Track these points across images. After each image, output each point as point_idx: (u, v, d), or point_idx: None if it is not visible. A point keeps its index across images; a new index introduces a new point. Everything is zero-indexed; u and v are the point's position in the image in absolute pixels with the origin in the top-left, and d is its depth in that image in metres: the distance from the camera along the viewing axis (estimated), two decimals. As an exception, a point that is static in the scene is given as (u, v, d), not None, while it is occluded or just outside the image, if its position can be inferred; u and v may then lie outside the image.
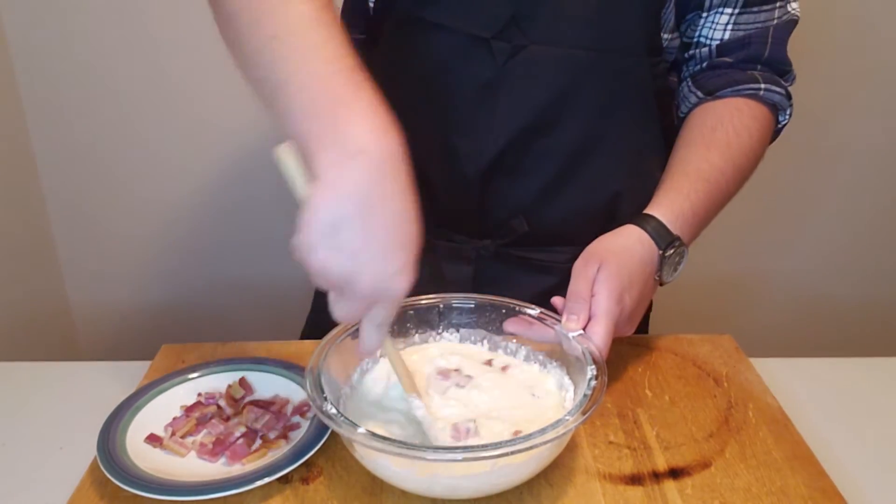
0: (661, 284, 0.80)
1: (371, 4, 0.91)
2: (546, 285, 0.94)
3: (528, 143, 0.86)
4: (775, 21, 0.86)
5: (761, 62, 0.87)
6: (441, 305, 0.78)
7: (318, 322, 1.07)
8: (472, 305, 0.79)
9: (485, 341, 0.79)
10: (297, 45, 0.57)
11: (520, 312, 0.77)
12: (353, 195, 0.54)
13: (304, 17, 0.57)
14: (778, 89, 0.86)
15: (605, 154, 0.88)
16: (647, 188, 0.91)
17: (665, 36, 0.86)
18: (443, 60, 0.86)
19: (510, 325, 0.77)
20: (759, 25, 0.86)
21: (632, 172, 0.90)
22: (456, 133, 0.88)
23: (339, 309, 0.58)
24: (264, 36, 0.57)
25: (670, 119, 0.94)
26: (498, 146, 0.86)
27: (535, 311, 0.76)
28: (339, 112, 0.55)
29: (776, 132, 0.91)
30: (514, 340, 0.78)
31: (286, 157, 0.57)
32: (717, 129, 0.84)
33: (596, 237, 0.80)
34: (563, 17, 0.82)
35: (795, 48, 0.90)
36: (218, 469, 0.68)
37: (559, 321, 0.73)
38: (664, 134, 0.93)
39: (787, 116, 0.90)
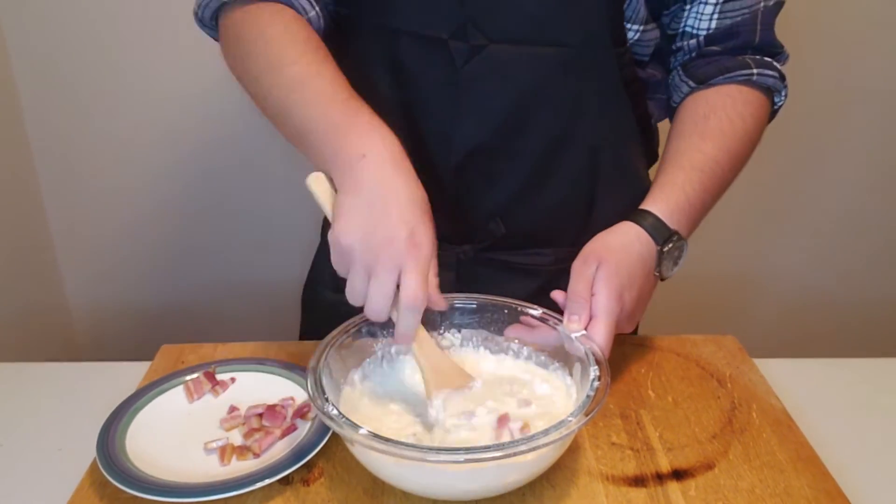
0: (661, 279, 0.80)
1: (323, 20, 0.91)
2: (531, 288, 0.93)
3: (498, 143, 0.86)
4: (761, 5, 0.84)
5: (752, 48, 0.86)
6: (442, 305, 0.78)
7: (311, 327, 1.07)
8: (474, 306, 0.78)
9: (487, 343, 0.79)
10: (299, 99, 0.71)
11: (522, 313, 0.76)
12: (365, 186, 0.65)
13: (301, 74, 0.72)
14: (771, 72, 0.86)
15: (579, 150, 0.87)
16: (627, 182, 0.90)
17: (635, 27, 0.84)
18: (405, 65, 0.85)
19: (512, 332, 0.77)
20: (746, 12, 0.84)
21: (608, 166, 0.89)
22: (425, 138, 0.87)
23: (376, 287, 0.63)
24: (277, 99, 0.73)
25: (643, 109, 0.93)
26: (467, 148, 0.86)
27: (537, 311, 0.76)
28: (339, 135, 0.67)
29: (773, 113, 0.90)
30: (517, 341, 0.77)
31: (315, 184, 0.68)
32: (710, 118, 0.84)
33: (577, 236, 0.80)
34: (521, 15, 0.81)
35: (795, 46, 0.89)
36: (218, 470, 0.67)
37: (561, 321, 0.73)
38: (638, 124, 0.92)
39: (783, 97, 0.89)
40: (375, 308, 0.64)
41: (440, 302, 0.67)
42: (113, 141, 1.62)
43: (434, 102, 0.85)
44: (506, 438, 0.64)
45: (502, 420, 0.66)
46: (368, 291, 0.64)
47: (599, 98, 0.86)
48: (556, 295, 0.75)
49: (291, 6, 0.79)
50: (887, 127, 1.73)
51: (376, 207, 0.64)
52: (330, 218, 0.67)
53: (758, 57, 0.86)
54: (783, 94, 0.88)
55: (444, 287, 0.93)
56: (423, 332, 0.69)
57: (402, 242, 0.63)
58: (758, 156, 0.88)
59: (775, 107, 0.90)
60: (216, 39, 0.84)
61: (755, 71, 0.85)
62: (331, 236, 0.65)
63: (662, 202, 0.79)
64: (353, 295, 0.65)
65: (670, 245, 0.77)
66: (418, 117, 0.86)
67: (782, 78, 0.87)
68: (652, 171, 0.91)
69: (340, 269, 0.66)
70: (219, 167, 1.66)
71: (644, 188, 0.82)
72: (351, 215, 0.64)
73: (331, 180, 0.68)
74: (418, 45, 0.83)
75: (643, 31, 0.85)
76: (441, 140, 0.86)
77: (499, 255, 0.93)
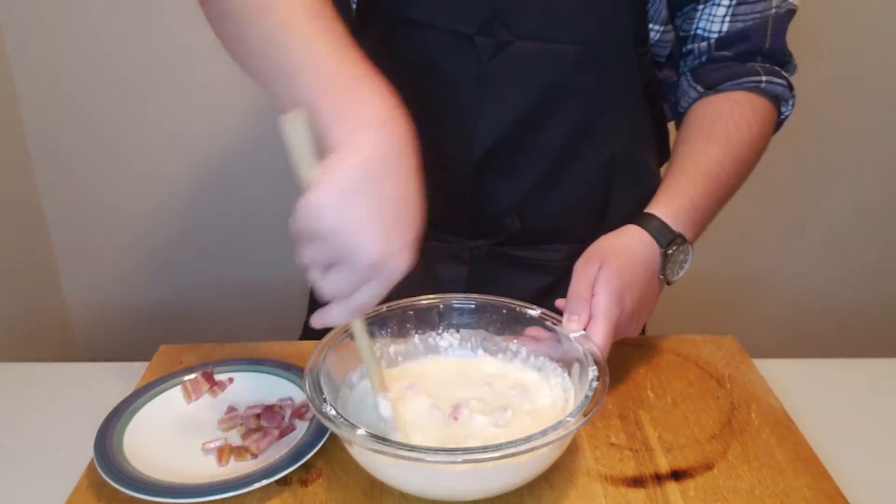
0: (668, 283, 0.80)
1: (354, 6, 0.91)
2: (542, 284, 0.93)
3: (518, 139, 0.86)
4: (773, 11, 0.84)
5: (762, 54, 0.86)
6: (441, 306, 0.78)
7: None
8: (473, 306, 0.78)
9: (485, 344, 0.78)
10: (303, 33, 0.59)
11: (521, 313, 0.76)
12: (370, 163, 0.55)
13: (304, 7, 0.60)
14: (779, 81, 0.86)
15: (597, 148, 0.88)
16: (641, 180, 0.91)
17: (656, 28, 0.85)
18: (428, 59, 0.85)
19: (519, 341, 0.77)
20: (758, 16, 0.84)
21: (624, 165, 0.89)
22: (446, 132, 0.87)
23: (331, 282, 0.56)
24: (269, 26, 0.60)
25: (660, 108, 0.93)
26: (488, 144, 0.86)
27: (536, 311, 0.75)
28: (354, 89, 0.58)
29: (779, 123, 0.90)
30: (515, 341, 0.77)
31: (296, 124, 0.55)
32: (717, 123, 0.84)
33: (590, 233, 0.80)
34: (547, 12, 0.81)
35: (797, 47, 0.89)
36: (216, 470, 0.67)
37: (560, 321, 0.73)
38: (654, 124, 0.92)
39: (790, 107, 0.89)
40: (321, 294, 0.57)
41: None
42: (111, 141, 1.62)
43: (456, 97, 0.85)
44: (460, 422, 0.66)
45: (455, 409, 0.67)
46: (323, 283, 0.57)
47: (619, 97, 0.86)
48: (560, 303, 0.75)
49: None
50: (889, 128, 1.73)
51: (379, 192, 0.55)
52: (300, 167, 0.56)
53: (767, 65, 0.86)
54: (790, 103, 0.89)
55: (457, 281, 0.93)
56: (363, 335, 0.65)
57: (388, 255, 0.55)
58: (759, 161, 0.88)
59: (782, 117, 0.90)
60: None
61: (764, 78, 0.85)
62: (306, 204, 0.54)
63: (667, 206, 0.79)
64: (301, 262, 0.57)
65: (674, 248, 0.77)
66: (440, 111, 0.86)
67: (790, 87, 0.87)
68: (663, 170, 0.91)
69: (313, 251, 0.57)
70: (218, 167, 1.66)
71: (657, 188, 0.83)
72: (348, 190, 0.54)
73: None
74: (443, 40, 0.83)
75: (663, 31, 0.86)
76: (462, 135, 0.86)
77: (512, 250, 0.94)
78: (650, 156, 0.94)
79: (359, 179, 0.54)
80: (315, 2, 0.61)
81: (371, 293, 0.57)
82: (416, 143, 0.58)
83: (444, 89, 0.86)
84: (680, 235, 0.78)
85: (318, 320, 0.60)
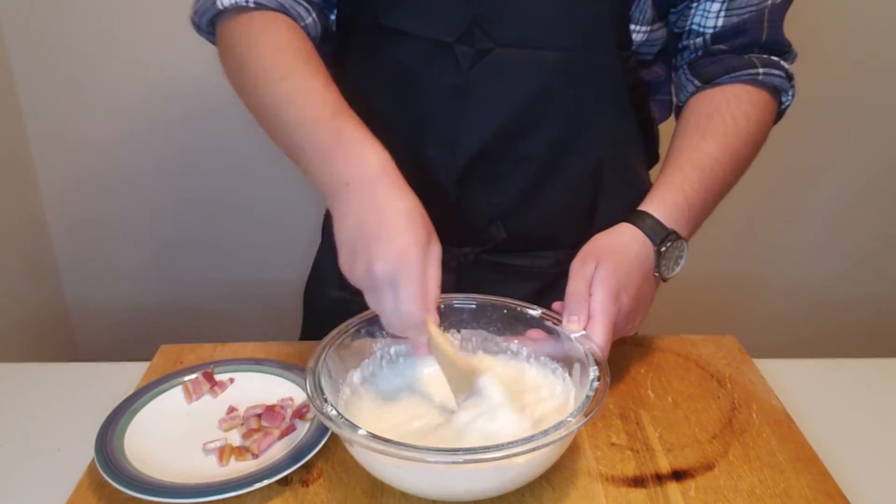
0: (663, 280, 0.80)
1: (332, 18, 0.90)
2: (529, 291, 0.93)
3: (502, 148, 0.85)
4: (769, 2, 0.84)
5: (759, 46, 0.85)
6: (442, 306, 0.77)
7: (313, 325, 1.07)
8: (474, 306, 0.78)
9: (486, 344, 0.78)
10: (289, 119, 0.71)
11: (522, 313, 0.76)
12: (355, 213, 0.65)
13: (289, 91, 0.72)
14: (777, 72, 0.85)
15: (582, 154, 0.87)
16: (629, 185, 0.90)
17: (642, 29, 0.84)
18: (409, 67, 0.84)
19: (521, 342, 0.77)
20: (753, 9, 0.84)
21: (611, 170, 0.89)
22: (428, 141, 0.86)
23: (404, 297, 0.63)
24: (270, 116, 0.74)
25: (646, 112, 0.93)
26: (471, 152, 0.85)
27: (536, 311, 0.76)
28: (325, 160, 0.68)
29: (780, 113, 0.90)
30: (516, 341, 0.77)
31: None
32: (713, 117, 0.83)
33: (578, 240, 0.79)
34: (527, 19, 0.80)
35: (797, 46, 0.89)
36: (217, 471, 0.67)
37: (560, 321, 0.73)
38: (641, 128, 0.92)
39: (790, 97, 0.88)
40: (407, 311, 0.64)
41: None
42: (113, 141, 1.62)
43: (438, 106, 0.85)
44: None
45: None
46: (395, 305, 0.64)
47: (604, 103, 0.86)
48: (558, 305, 0.75)
49: (286, 13, 0.79)
50: (887, 126, 1.73)
51: (367, 233, 0.64)
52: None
53: (764, 56, 0.85)
54: (790, 93, 0.88)
55: (445, 289, 0.93)
56: (441, 337, 0.68)
57: (420, 245, 0.64)
58: (758, 155, 0.88)
59: (782, 107, 0.89)
60: (215, 44, 0.84)
61: (761, 70, 0.84)
62: (344, 268, 0.66)
63: (660, 203, 0.79)
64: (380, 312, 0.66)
65: (668, 245, 0.77)
66: (422, 120, 0.86)
67: (789, 77, 0.86)
68: (653, 173, 0.91)
69: (372, 288, 0.66)
70: (219, 167, 1.66)
71: (645, 192, 0.82)
72: (345, 250, 0.66)
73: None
74: (423, 49, 0.82)
75: (650, 31, 0.85)
76: (445, 143, 0.86)
77: (499, 257, 0.93)
78: (637, 160, 0.93)
79: (352, 234, 0.65)
80: (295, 80, 0.72)
81: (434, 274, 0.64)
82: (392, 165, 0.67)
83: (426, 98, 0.85)
84: (673, 232, 0.77)
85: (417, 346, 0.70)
